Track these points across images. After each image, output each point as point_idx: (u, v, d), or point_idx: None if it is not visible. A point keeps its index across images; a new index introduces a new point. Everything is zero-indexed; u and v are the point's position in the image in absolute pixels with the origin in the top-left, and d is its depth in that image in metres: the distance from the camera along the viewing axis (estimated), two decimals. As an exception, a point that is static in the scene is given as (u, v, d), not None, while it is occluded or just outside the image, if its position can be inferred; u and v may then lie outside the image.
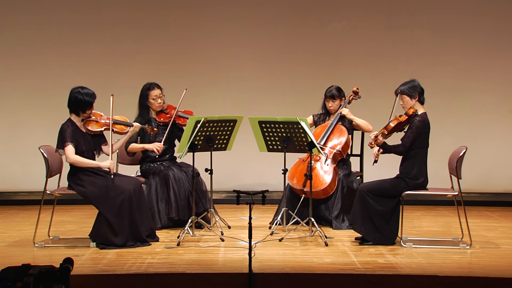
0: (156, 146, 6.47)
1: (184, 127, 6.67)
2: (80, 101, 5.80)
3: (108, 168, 5.79)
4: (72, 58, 9.13)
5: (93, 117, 5.90)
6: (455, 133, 8.98)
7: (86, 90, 5.84)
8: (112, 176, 5.77)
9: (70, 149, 5.74)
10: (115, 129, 5.99)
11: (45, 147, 5.98)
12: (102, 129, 5.93)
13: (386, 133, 5.80)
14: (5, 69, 9.18)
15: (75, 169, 5.84)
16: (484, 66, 9.11)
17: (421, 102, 5.87)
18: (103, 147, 6.00)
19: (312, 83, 8.88)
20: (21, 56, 9.15)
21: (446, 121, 8.92)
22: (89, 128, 5.88)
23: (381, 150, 5.86)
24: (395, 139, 5.92)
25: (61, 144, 5.77)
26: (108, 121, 5.90)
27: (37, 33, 9.12)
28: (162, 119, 6.73)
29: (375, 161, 5.87)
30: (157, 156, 6.66)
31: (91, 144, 5.89)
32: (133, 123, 6.12)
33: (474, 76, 9.12)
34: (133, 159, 6.88)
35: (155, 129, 6.41)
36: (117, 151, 6.49)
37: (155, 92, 6.69)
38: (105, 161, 5.83)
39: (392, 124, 5.79)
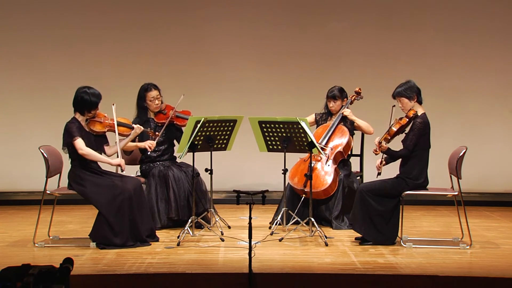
0: (148, 144, 6.40)
1: (182, 127, 6.70)
2: (86, 101, 5.80)
3: (119, 165, 5.85)
4: (72, 58, 9.13)
5: (97, 118, 5.92)
6: (455, 133, 8.98)
7: (92, 90, 5.85)
8: (123, 172, 5.85)
9: (80, 141, 5.75)
10: (118, 131, 6.00)
11: (45, 147, 5.98)
12: (105, 130, 5.95)
13: (389, 138, 5.80)
14: (5, 69, 9.18)
15: (76, 168, 5.84)
16: (485, 67, 9.11)
17: (420, 102, 5.86)
18: (105, 148, 6.02)
19: (312, 84, 8.89)
20: (21, 56, 9.16)
21: (446, 122, 8.92)
22: (92, 128, 5.89)
23: (384, 162, 5.87)
24: (396, 140, 5.91)
25: (69, 139, 5.75)
26: (111, 122, 5.93)
27: (37, 33, 9.11)
28: (160, 119, 6.73)
29: (379, 173, 5.89)
30: (151, 152, 6.61)
31: (93, 143, 5.90)
32: (135, 125, 6.13)
33: (474, 76, 9.12)
34: (133, 159, 6.87)
35: (156, 133, 6.42)
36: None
37: (152, 94, 6.69)
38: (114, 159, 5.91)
39: (394, 128, 5.78)
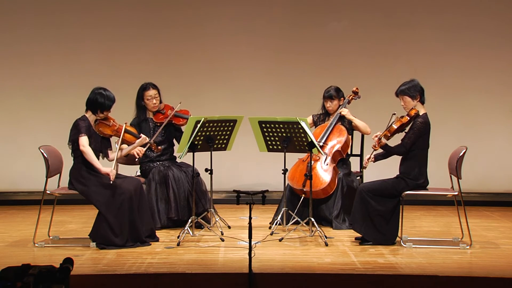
0: (137, 150, 6.24)
1: (181, 127, 6.70)
2: (101, 103, 5.83)
3: (108, 174, 5.72)
4: (72, 57, 9.14)
5: (107, 121, 5.93)
6: (455, 133, 8.98)
7: (108, 92, 5.88)
8: (111, 182, 5.73)
9: (85, 139, 5.76)
10: (124, 138, 6.00)
11: (45, 147, 5.98)
12: (112, 134, 5.98)
13: (388, 135, 5.81)
14: (5, 68, 9.18)
15: (79, 166, 5.84)
16: (485, 66, 9.11)
17: (422, 102, 5.86)
18: (109, 151, 6.02)
19: (312, 83, 8.88)
20: (20, 56, 9.15)
21: (446, 121, 8.92)
22: (100, 129, 5.90)
23: (373, 159, 5.88)
24: (396, 139, 5.91)
25: (76, 135, 5.77)
26: (119, 128, 5.94)
27: (37, 32, 9.12)
28: (159, 119, 6.73)
29: (364, 167, 5.99)
30: (151, 152, 6.57)
31: (99, 144, 5.90)
32: (142, 135, 6.12)
33: (474, 75, 9.12)
34: (132, 159, 6.85)
35: (159, 147, 6.41)
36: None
37: (150, 93, 6.70)
38: (107, 167, 5.79)
39: (394, 126, 5.79)
